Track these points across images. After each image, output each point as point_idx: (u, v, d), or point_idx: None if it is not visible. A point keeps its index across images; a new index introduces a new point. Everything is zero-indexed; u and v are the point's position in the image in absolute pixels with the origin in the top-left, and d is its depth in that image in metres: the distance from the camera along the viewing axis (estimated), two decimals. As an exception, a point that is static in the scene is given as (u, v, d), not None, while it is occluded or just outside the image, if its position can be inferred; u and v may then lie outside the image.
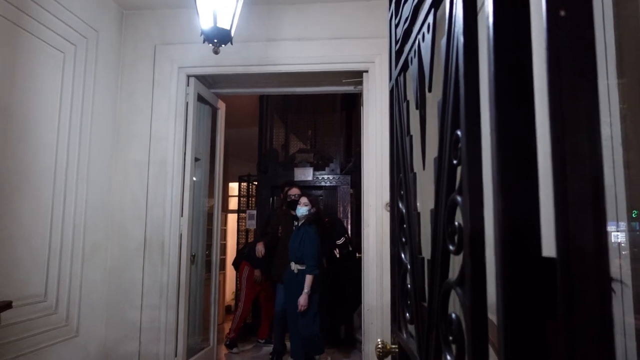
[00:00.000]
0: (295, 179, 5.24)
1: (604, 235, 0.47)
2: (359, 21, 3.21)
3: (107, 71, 3.21)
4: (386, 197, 3.10)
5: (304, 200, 3.86)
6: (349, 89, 3.59)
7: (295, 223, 4.11)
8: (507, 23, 0.52)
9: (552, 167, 0.47)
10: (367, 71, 3.25)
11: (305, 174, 5.28)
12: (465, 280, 0.65)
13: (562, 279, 0.47)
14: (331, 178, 5.22)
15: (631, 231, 1.11)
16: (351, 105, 5.41)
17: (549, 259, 0.51)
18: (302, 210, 3.82)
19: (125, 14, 3.39)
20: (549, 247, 0.51)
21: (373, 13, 3.15)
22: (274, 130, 5.79)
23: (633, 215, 1.19)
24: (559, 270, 0.47)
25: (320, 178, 5.23)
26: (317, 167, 5.30)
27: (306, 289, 3.64)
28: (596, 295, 0.46)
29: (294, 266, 3.79)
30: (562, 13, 0.44)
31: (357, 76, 3.36)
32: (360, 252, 3.38)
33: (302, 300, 3.65)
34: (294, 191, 4.28)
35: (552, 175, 0.47)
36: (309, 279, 3.66)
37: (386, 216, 3.06)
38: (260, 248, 4.52)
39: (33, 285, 2.56)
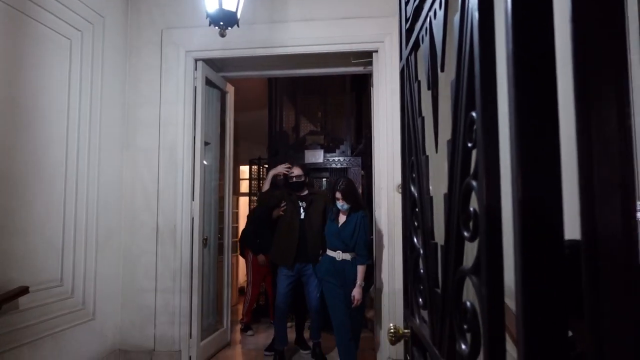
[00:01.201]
0: (306, 161, 5.21)
1: (633, 218, 0.44)
2: (367, 0, 3.13)
3: (115, 57, 3.19)
4: (397, 179, 3.06)
5: (338, 195, 3.23)
6: (359, 69, 3.53)
7: (301, 204, 3.76)
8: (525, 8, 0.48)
9: (577, 148, 0.44)
10: (376, 51, 3.18)
11: (316, 156, 5.25)
12: (481, 268, 0.63)
13: (587, 264, 0.44)
14: (342, 160, 5.19)
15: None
16: (361, 86, 5.33)
17: (572, 242, 0.48)
18: (343, 206, 3.22)
19: (130, -2, 3.35)
20: (571, 231, 0.48)
21: (382, -9, 3.07)
22: (283, 112, 5.74)
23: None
24: (584, 255, 0.45)
25: (330, 160, 5.20)
26: (328, 149, 5.26)
27: (359, 281, 3.18)
28: (625, 282, 0.43)
29: (340, 255, 3.26)
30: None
31: (366, 56, 3.30)
32: (371, 234, 3.37)
33: (358, 294, 3.18)
34: (296, 172, 3.80)
35: (577, 157, 0.44)
36: (361, 270, 3.18)
37: (398, 198, 3.03)
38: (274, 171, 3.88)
39: (49, 271, 2.60)
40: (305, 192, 3.78)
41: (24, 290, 2.31)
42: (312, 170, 4.98)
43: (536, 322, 0.49)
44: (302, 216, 3.72)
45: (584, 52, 0.43)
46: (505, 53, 0.52)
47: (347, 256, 3.26)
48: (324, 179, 5.40)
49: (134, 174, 3.29)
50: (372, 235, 3.41)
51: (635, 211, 0.43)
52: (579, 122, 0.43)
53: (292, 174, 3.76)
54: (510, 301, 0.66)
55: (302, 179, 3.74)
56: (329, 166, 5.22)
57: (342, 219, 3.29)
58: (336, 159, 5.20)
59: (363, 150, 5.08)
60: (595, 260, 0.44)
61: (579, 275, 0.47)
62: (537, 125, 0.50)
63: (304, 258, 3.67)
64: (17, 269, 2.36)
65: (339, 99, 5.62)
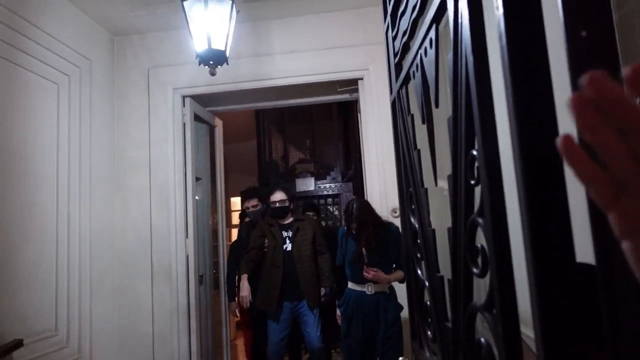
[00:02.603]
0: (298, 190, 5.22)
1: None
2: (350, 29, 3.20)
3: (102, 99, 3.19)
4: (391, 203, 3.07)
5: (354, 227, 2.78)
6: (345, 97, 3.57)
7: (286, 234, 3.29)
8: (521, 45, 0.50)
9: None
10: (362, 78, 3.23)
11: (307, 184, 5.26)
12: (495, 305, 0.63)
13: (603, 286, 0.44)
14: (333, 186, 5.21)
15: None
16: (348, 112, 5.40)
17: (585, 266, 0.49)
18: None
19: (115, 40, 3.38)
20: (582, 254, 0.49)
21: (365, 20, 3.14)
22: (272, 142, 5.79)
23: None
24: (599, 278, 0.45)
25: (322, 187, 5.21)
26: (318, 177, 5.29)
27: (390, 277, 2.69)
28: None
29: (372, 288, 2.71)
30: (584, 33, 0.42)
31: (352, 84, 3.35)
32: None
33: (382, 275, 2.63)
34: (277, 196, 3.31)
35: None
36: (398, 273, 2.70)
37: (393, 222, 3.03)
38: (245, 293, 3.24)
39: (43, 320, 2.53)
40: (290, 220, 3.36)
41: (18, 344, 2.24)
42: (304, 198, 4.94)
43: (556, 354, 0.49)
44: (289, 247, 3.27)
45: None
46: (505, 98, 0.53)
47: (381, 288, 2.70)
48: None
49: (125, 214, 3.26)
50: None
51: None
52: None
53: (275, 199, 3.31)
54: (525, 328, 0.65)
55: (287, 204, 3.32)
56: (320, 193, 5.23)
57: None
58: (327, 185, 5.22)
59: (353, 175, 5.11)
60: (612, 287, 0.44)
61: (596, 301, 0.47)
62: (540, 157, 0.51)
63: (295, 295, 3.23)
64: (10, 321, 2.29)
65: (326, 125, 5.69)
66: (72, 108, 2.85)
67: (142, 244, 3.22)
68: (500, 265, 0.61)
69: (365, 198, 3.31)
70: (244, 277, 3.29)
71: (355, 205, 2.80)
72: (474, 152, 0.66)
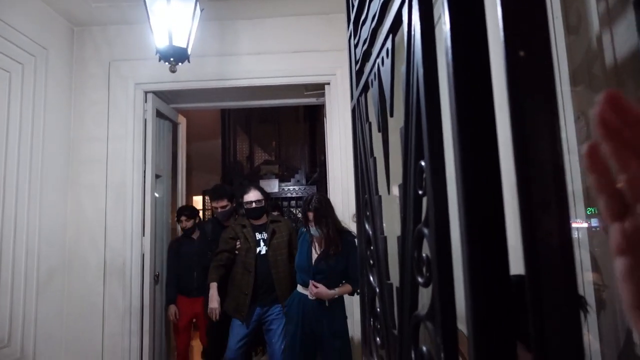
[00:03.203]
0: (261, 192, 5.18)
1: (569, 247, 0.46)
2: (318, 34, 3.21)
3: (59, 90, 3.07)
4: (353, 208, 3.09)
5: (310, 216, 2.68)
6: (312, 100, 3.58)
7: (260, 236, 3.08)
8: (465, 58, 0.51)
9: (517, 188, 0.46)
10: (328, 83, 3.25)
11: (271, 186, 5.23)
12: (435, 315, 0.64)
13: (531, 296, 0.46)
14: (297, 189, 5.20)
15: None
16: (314, 115, 5.41)
17: (518, 277, 0.50)
18: (316, 232, 2.69)
19: (75, 30, 3.26)
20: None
21: (333, 26, 3.16)
22: (237, 141, 5.72)
23: (587, 212, 1.23)
24: (527, 286, 0.46)
25: (286, 189, 5.19)
26: (283, 179, 5.27)
27: (336, 290, 2.60)
28: (565, 311, 0.45)
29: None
30: (522, 54, 0.44)
31: (319, 88, 3.35)
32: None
33: (324, 290, 2.56)
34: (252, 196, 3.09)
35: (517, 195, 0.46)
36: (345, 287, 2.63)
37: (354, 227, 3.05)
38: (214, 305, 3.04)
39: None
40: (264, 221, 3.16)
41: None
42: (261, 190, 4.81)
43: (486, 354, 0.50)
44: (263, 251, 3.07)
45: (520, 104, 0.46)
46: (449, 109, 0.54)
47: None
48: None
49: (79, 211, 3.14)
50: None
51: (570, 236, 0.45)
52: (517, 162, 0.45)
53: (250, 199, 3.08)
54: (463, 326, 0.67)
55: (263, 204, 3.10)
56: (284, 195, 5.22)
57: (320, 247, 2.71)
58: (291, 187, 5.21)
59: (318, 178, 5.12)
60: (539, 292, 0.46)
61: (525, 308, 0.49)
62: (479, 174, 0.52)
63: (267, 301, 3.04)
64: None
65: (293, 128, 5.68)
66: (24, 98, 2.73)
67: (95, 242, 3.11)
68: (441, 275, 0.62)
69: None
70: (214, 286, 3.08)
71: (315, 197, 2.74)
72: (422, 163, 0.67)
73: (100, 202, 3.14)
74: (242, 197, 3.17)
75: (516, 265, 0.52)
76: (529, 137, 0.44)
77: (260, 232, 3.13)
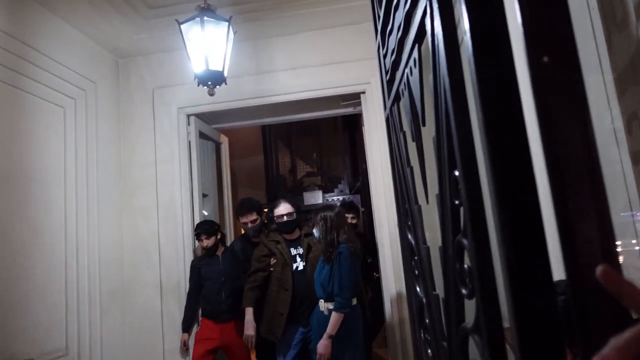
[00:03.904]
0: (306, 203, 5.22)
1: (613, 248, 0.44)
2: (350, 44, 3.22)
3: (108, 120, 3.24)
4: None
5: (315, 220, 2.72)
6: (349, 110, 3.59)
7: (295, 251, 2.92)
8: (490, 66, 0.50)
9: (550, 191, 0.45)
10: (364, 92, 3.25)
11: (315, 197, 5.27)
12: (480, 328, 0.62)
13: (574, 302, 0.44)
14: (341, 199, 5.19)
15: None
16: (353, 124, 5.41)
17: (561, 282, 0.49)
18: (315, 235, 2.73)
19: (120, 62, 3.45)
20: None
21: (364, 35, 3.16)
22: (279, 156, 5.81)
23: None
24: (570, 293, 0.44)
25: (330, 200, 5.20)
26: (326, 189, 5.29)
27: (328, 331, 2.50)
28: (611, 313, 0.43)
29: (324, 306, 2.60)
30: (545, 59, 0.42)
31: (355, 98, 3.36)
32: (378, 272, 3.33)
33: (322, 347, 2.49)
34: (283, 209, 2.93)
35: (552, 198, 0.45)
36: (334, 318, 2.50)
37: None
38: (250, 332, 2.85)
39: (53, 340, 2.56)
40: (298, 235, 3.01)
41: (29, 366, 2.27)
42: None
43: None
44: (300, 266, 2.89)
45: (546, 108, 0.44)
46: (476, 117, 0.53)
47: (329, 306, 2.57)
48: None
49: (134, 233, 3.29)
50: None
51: (613, 237, 0.44)
52: (550, 168, 0.44)
53: (281, 213, 2.91)
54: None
55: (294, 217, 2.94)
56: (328, 206, 5.24)
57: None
58: (335, 198, 5.21)
59: (361, 187, 5.10)
60: (583, 300, 0.44)
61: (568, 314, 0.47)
62: (513, 182, 0.50)
63: (308, 321, 2.79)
64: (21, 342, 2.32)
65: (333, 138, 5.70)
66: (78, 131, 2.90)
67: (151, 262, 3.25)
68: (484, 287, 0.60)
69: (372, 210, 3.30)
70: (249, 311, 2.87)
71: (325, 205, 2.89)
72: (456, 173, 0.66)
73: (152, 224, 3.28)
74: (272, 212, 3.03)
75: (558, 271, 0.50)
76: (559, 142, 0.43)
77: (295, 247, 2.95)
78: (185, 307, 3.17)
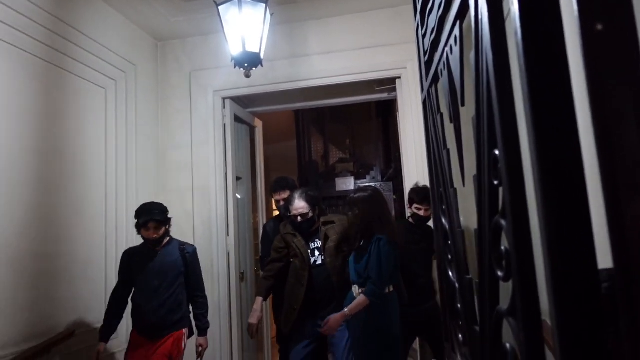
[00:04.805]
0: (337, 189, 5.22)
1: None
2: (386, 28, 3.17)
3: (147, 102, 3.33)
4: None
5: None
6: (383, 96, 3.55)
7: (313, 245, 2.72)
8: (537, 37, 0.48)
9: (600, 173, 0.43)
10: (399, 77, 3.20)
11: (347, 184, 5.26)
12: (516, 311, 0.61)
13: (622, 291, 0.42)
14: (373, 186, 5.17)
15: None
16: (387, 111, 5.35)
17: (608, 270, 0.47)
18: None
19: (159, 45, 3.52)
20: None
21: (400, 19, 3.10)
22: (312, 141, 5.82)
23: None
24: (618, 282, 0.43)
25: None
26: (358, 176, 5.27)
27: (347, 310, 2.41)
28: None
29: (357, 290, 2.48)
30: (599, 27, 0.40)
31: (390, 83, 3.31)
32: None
33: (333, 320, 2.41)
34: (297, 207, 2.68)
35: (601, 183, 0.43)
36: (359, 300, 2.40)
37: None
38: (254, 320, 2.69)
39: (93, 313, 2.68)
40: (317, 227, 2.75)
41: (70, 334, 2.39)
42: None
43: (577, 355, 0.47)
44: (319, 260, 2.68)
45: (601, 93, 0.42)
46: (522, 93, 0.51)
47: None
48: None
49: (170, 214, 3.37)
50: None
51: None
52: (600, 148, 0.42)
53: (294, 213, 2.68)
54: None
55: (309, 215, 2.67)
56: (360, 192, 5.22)
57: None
58: (367, 185, 5.19)
59: (393, 175, 5.06)
60: (630, 287, 0.42)
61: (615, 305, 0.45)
62: (558, 159, 0.49)
63: (327, 313, 2.55)
64: (63, 313, 2.45)
65: (366, 125, 5.65)
66: (118, 111, 2.99)
67: (186, 241, 3.32)
68: (522, 269, 0.59)
69: (405, 197, 3.27)
70: (258, 300, 2.74)
71: (357, 190, 2.64)
72: (496, 152, 0.64)
73: (187, 205, 3.36)
74: (288, 205, 2.78)
75: (604, 258, 0.48)
76: (611, 119, 0.41)
77: (313, 241, 2.73)
78: (107, 309, 2.53)
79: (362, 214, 2.48)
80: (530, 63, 0.48)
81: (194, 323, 2.69)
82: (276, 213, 3.39)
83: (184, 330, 2.60)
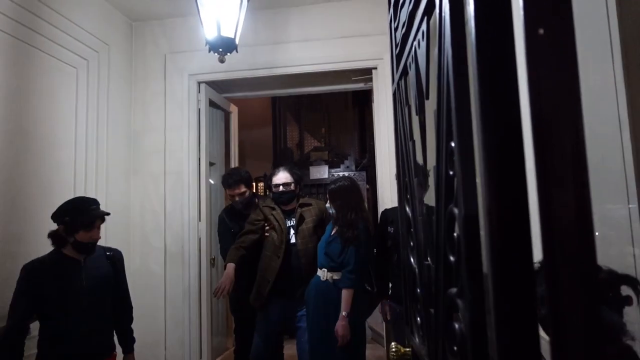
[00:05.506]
0: (311, 178, 5.25)
1: (590, 235, 0.46)
2: (364, 19, 3.19)
3: (120, 83, 3.26)
4: (401, 193, 3.08)
5: (328, 196, 2.64)
6: (359, 86, 3.58)
7: (289, 223, 2.75)
8: (489, 40, 0.52)
9: (535, 169, 0.47)
10: (375, 68, 3.23)
11: (321, 172, 5.29)
12: (465, 294, 0.65)
13: (548, 283, 0.46)
14: (347, 175, 5.22)
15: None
16: (363, 101, 5.39)
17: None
18: (331, 211, 2.63)
19: (133, 25, 3.45)
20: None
21: (378, 10, 3.12)
22: (287, 129, 5.82)
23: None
24: (545, 273, 0.47)
25: (335, 175, 5.23)
26: (333, 165, 5.31)
27: (344, 311, 2.40)
28: (583, 298, 0.45)
29: (326, 275, 2.50)
30: (541, 32, 0.44)
31: (366, 73, 3.34)
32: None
33: (341, 328, 2.38)
34: (281, 178, 2.74)
35: (535, 177, 0.46)
36: (345, 295, 2.42)
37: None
38: (225, 280, 2.56)
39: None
40: (294, 206, 2.80)
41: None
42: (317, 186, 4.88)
43: (508, 333, 0.52)
44: (293, 239, 2.71)
45: (540, 95, 0.46)
46: (472, 90, 0.55)
47: (334, 276, 2.48)
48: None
49: (142, 198, 3.35)
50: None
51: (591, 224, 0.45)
52: (537, 149, 0.46)
53: (278, 182, 2.73)
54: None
55: (292, 187, 2.74)
56: (334, 181, 5.27)
57: (334, 229, 2.56)
58: (341, 174, 5.24)
59: (367, 164, 5.12)
60: (555, 278, 0.46)
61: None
62: (503, 157, 0.52)
63: (296, 293, 2.65)
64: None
65: (342, 114, 5.69)
66: (90, 92, 2.93)
67: (157, 227, 3.31)
68: (469, 254, 0.63)
69: (377, 188, 3.33)
70: (230, 266, 2.63)
71: (337, 179, 2.69)
72: (452, 144, 0.68)
73: (160, 189, 3.33)
74: (270, 180, 2.82)
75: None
76: (547, 117, 0.44)
77: (290, 219, 2.76)
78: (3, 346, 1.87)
79: (347, 202, 2.55)
80: (481, 62, 0.52)
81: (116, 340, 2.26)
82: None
83: (115, 352, 2.23)
